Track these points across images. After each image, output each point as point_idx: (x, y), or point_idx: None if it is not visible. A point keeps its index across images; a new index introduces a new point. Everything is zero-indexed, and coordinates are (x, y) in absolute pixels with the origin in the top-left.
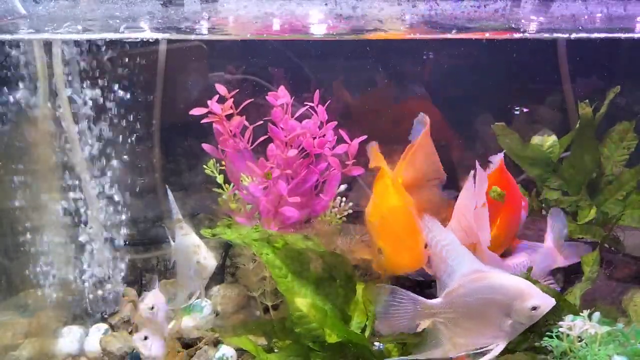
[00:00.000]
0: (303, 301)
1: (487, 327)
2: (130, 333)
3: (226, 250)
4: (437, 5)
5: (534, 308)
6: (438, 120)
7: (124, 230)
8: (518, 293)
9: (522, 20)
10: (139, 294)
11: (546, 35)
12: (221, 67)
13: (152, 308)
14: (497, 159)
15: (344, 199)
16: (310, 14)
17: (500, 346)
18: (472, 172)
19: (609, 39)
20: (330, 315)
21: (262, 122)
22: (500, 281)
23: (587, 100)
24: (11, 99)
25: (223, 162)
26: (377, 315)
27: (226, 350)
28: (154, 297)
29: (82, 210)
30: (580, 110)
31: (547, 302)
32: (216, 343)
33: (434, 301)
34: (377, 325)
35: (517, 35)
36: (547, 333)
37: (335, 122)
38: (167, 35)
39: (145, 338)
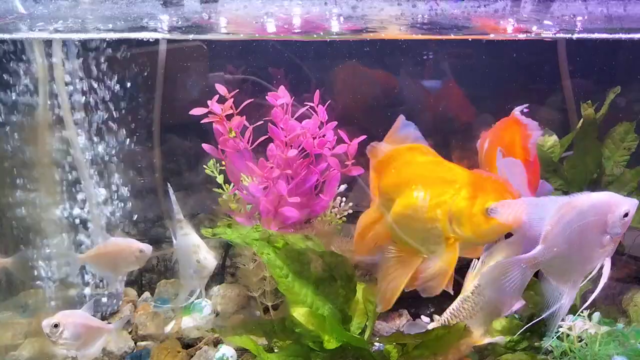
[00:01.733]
0: (300, 310)
1: (590, 250)
2: (130, 333)
3: (226, 250)
4: (437, 5)
5: (626, 214)
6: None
7: (124, 230)
8: (608, 206)
9: (522, 20)
10: (139, 294)
11: (546, 35)
12: (221, 67)
13: (56, 326)
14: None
15: (344, 199)
16: (310, 14)
17: (608, 263)
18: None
19: (609, 39)
20: (329, 318)
21: (262, 122)
22: (587, 202)
23: (589, 101)
24: (11, 97)
25: (223, 162)
26: (493, 290)
27: (226, 350)
28: (62, 317)
29: (81, 210)
30: (583, 111)
31: (633, 203)
32: (216, 343)
33: (534, 251)
34: (494, 297)
35: (517, 35)
36: (547, 333)
37: (335, 122)
38: (167, 35)
39: (56, 326)
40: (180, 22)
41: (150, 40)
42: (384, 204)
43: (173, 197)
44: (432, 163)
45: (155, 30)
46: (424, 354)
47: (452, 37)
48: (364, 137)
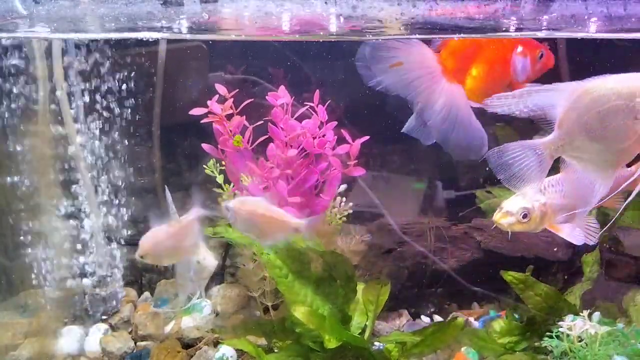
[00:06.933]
0: (301, 309)
1: (618, 138)
2: (130, 333)
3: (226, 250)
4: (437, 5)
5: None
6: None
7: (123, 230)
8: (636, 90)
9: (522, 20)
10: (139, 294)
11: (546, 35)
12: (221, 67)
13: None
14: None
15: (344, 199)
16: (311, 14)
17: None
18: None
19: (609, 39)
20: (329, 318)
21: (262, 122)
22: (610, 86)
23: None
24: (11, 97)
25: (223, 162)
26: (507, 179)
27: (226, 350)
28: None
29: (81, 210)
30: None
31: None
32: (216, 343)
33: (549, 137)
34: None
35: (517, 35)
36: (547, 333)
37: (335, 122)
38: (167, 35)
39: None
40: (180, 22)
41: (150, 40)
42: None
43: (169, 198)
44: None
45: (155, 30)
46: (424, 352)
47: (453, 36)
48: (366, 137)
